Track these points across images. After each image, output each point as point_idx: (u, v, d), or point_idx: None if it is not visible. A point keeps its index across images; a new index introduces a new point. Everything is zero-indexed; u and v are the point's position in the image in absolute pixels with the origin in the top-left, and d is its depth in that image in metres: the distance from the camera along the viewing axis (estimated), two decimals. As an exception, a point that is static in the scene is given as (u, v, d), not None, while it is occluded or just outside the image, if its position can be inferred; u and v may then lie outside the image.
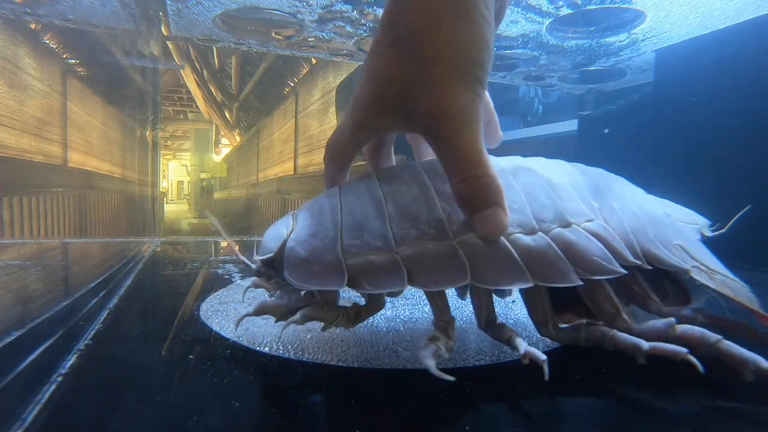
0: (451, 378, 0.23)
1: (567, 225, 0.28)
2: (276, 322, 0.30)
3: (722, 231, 0.65)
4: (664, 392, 0.26)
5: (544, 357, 0.24)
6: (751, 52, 0.69)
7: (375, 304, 0.31)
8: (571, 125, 1.18)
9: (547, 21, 0.69)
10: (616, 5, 0.65)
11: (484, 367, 0.29)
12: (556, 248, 0.27)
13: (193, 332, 0.35)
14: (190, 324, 0.37)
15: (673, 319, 0.27)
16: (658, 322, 0.27)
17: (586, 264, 0.27)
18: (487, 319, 0.29)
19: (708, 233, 0.65)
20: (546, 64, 0.87)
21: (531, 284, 0.26)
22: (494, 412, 0.24)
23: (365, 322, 0.35)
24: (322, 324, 0.28)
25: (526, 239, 0.27)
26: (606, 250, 0.28)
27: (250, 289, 0.35)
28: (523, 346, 0.25)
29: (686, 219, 0.65)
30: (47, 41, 2.77)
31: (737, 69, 0.71)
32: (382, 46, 0.27)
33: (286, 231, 0.29)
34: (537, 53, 0.81)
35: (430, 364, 0.24)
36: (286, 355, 0.30)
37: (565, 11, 0.66)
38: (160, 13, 0.74)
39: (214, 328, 0.35)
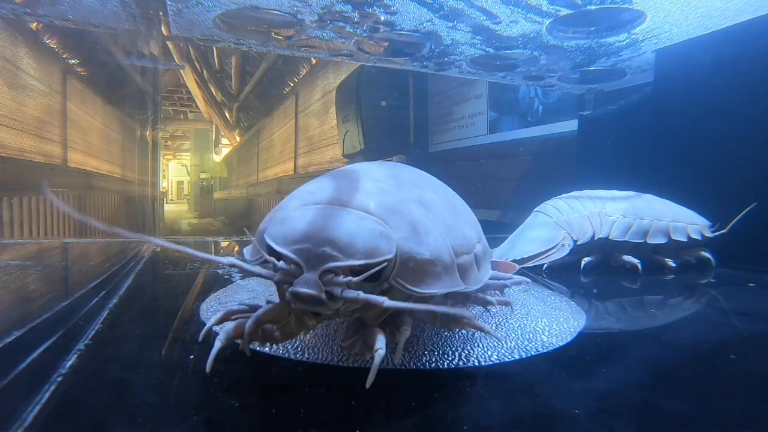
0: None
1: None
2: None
3: (723, 231, 0.65)
4: (665, 392, 0.26)
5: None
6: (751, 52, 0.69)
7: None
8: (571, 125, 1.18)
9: (547, 21, 0.69)
10: (616, 5, 0.64)
11: (483, 368, 0.29)
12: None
13: (193, 332, 0.35)
14: (190, 324, 0.37)
15: None
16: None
17: None
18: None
19: (708, 234, 0.65)
20: (546, 64, 0.87)
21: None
22: (494, 413, 0.24)
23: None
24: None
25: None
26: None
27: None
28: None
29: (686, 219, 0.65)
30: (47, 41, 2.77)
31: (737, 69, 0.71)
32: None
33: (379, 226, 0.23)
34: (537, 53, 0.81)
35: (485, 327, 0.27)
36: (286, 355, 0.30)
37: (565, 11, 0.66)
38: (160, 13, 0.74)
39: (214, 329, 0.35)
